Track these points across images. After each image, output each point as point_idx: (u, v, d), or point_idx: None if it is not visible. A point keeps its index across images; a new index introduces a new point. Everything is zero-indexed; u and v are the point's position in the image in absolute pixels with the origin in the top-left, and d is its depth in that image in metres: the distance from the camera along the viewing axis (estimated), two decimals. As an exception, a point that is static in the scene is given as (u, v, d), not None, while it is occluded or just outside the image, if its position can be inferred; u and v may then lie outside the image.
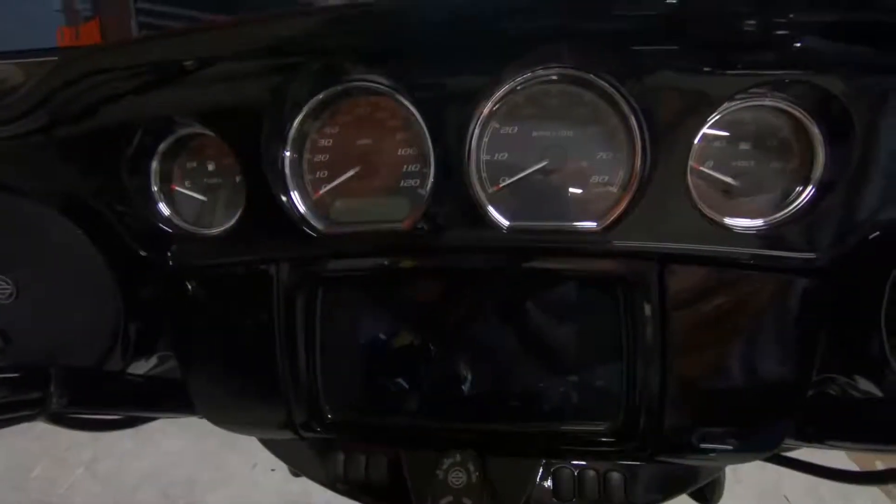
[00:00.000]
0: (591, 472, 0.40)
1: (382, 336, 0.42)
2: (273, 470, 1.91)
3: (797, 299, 0.34)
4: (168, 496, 1.83)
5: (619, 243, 0.34)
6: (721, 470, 0.56)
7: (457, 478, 0.37)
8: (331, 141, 0.38)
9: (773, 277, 0.34)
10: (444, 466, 0.37)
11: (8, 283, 0.38)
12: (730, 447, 0.37)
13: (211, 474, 1.90)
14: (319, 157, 0.38)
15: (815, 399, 0.37)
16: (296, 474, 0.69)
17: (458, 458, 0.37)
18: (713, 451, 0.38)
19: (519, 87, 0.35)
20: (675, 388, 0.36)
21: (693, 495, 0.68)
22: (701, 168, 0.34)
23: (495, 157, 0.36)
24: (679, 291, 0.35)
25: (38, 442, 2.00)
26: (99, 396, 0.38)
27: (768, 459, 0.45)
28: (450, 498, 0.36)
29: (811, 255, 0.32)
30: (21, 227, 0.39)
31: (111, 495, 1.84)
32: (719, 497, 0.65)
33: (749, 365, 0.36)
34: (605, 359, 0.38)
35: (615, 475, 0.40)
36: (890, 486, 1.86)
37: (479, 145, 0.35)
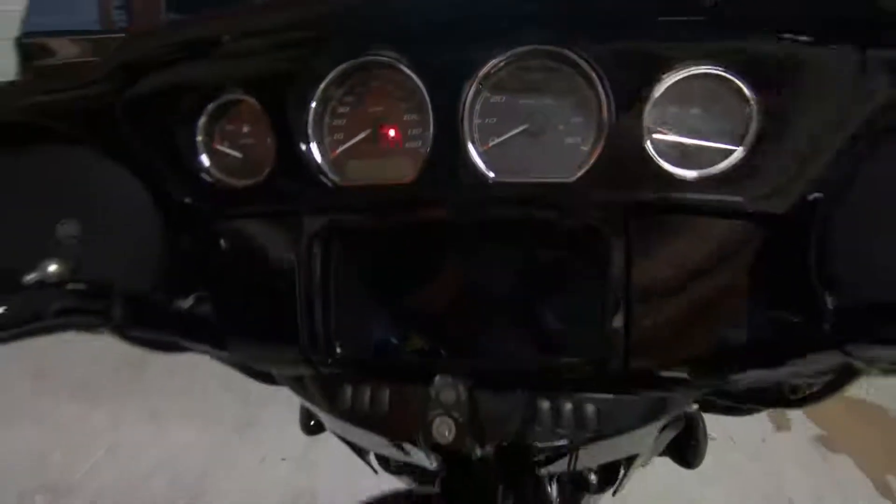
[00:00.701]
0: (568, 405, 0.46)
1: (386, 280, 0.48)
2: (284, 459, 1.97)
3: (743, 244, 0.40)
4: (178, 484, 1.89)
5: (587, 194, 0.40)
6: (696, 417, 0.62)
7: (447, 396, 0.42)
8: (347, 108, 0.45)
9: (720, 223, 0.40)
10: (436, 386, 0.43)
11: (76, 224, 0.46)
12: (687, 377, 0.43)
13: (221, 463, 1.96)
14: (337, 122, 0.45)
15: (764, 330, 0.42)
16: (309, 432, 0.75)
17: (450, 379, 0.43)
18: (673, 381, 0.44)
19: (504, 63, 0.41)
20: (638, 326, 0.42)
21: (674, 458, 0.72)
22: (657, 129, 0.40)
23: (485, 122, 0.43)
24: (640, 236, 0.41)
25: (58, 432, 2.08)
26: (152, 319, 0.44)
27: (727, 398, 0.50)
28: (440, 411, 0.41)
29: (737, 199, 0.38)
30: (88, 175, 0.46)
31: (125, 481, 1.91)
32: (700, 461, 0.70)
33: (702, 302, 0.41)
34: (578, 301, 0.44)
35: (589, 406, 0.45)
36: (893, 486, 1.86)
37: (471, 112, 0.42)
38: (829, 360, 0.34)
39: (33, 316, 0.35)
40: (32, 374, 2.29)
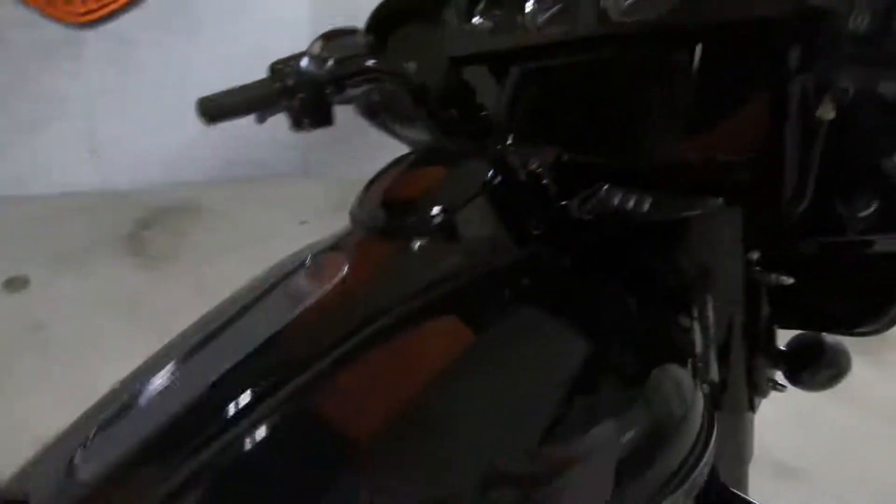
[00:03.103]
0: (633, 196, 0.52)
1: (542, 97, 0.64)
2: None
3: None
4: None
5: (673, 25, 0.50)
6: (829, 345, 0.60)
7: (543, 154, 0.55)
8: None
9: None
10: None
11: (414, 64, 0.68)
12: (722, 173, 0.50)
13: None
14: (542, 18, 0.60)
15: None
16: None
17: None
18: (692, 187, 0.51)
19: None
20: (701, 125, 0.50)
21: (788, 375, 0.64)
22: None
23: None
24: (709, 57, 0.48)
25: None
26: (420, 100, 0.66)
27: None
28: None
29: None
30: (426, 35, 0.74)
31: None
32: (814, 388, 0.61)
33: (747, 115, 0.48)
34: (648, 107, 0.54)
35: (647, 197, 0.52)
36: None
37: None
38: None
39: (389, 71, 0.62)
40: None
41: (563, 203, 0.54)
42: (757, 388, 0.60)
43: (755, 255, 0.52)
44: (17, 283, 2.20)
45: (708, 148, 0.49)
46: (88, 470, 0.34)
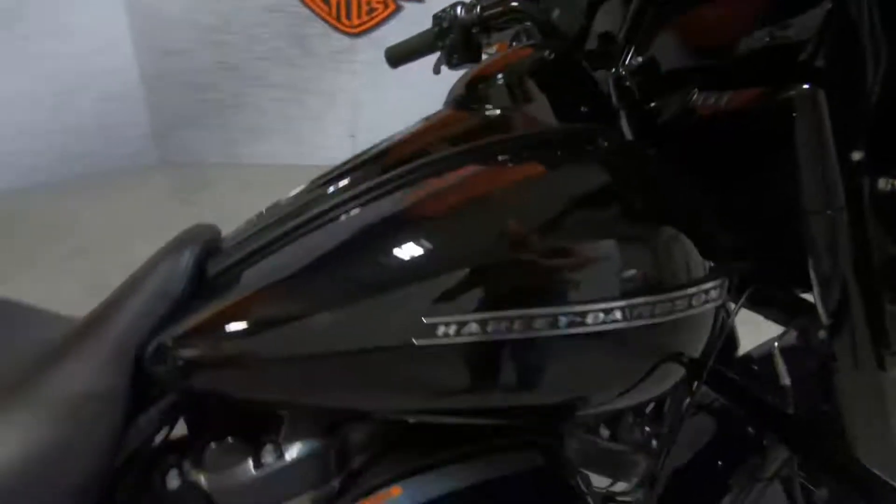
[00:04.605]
0: (714, 93, 0.51)
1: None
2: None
3: None
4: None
5: None
6: None
7: None
8: None
9: None
10: None
11: None
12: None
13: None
14: None
15: None
16: None
17: None
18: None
19: None
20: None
21: None
22: None
23: None
24: None
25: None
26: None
27: None
28: None
29: None
30: None
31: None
32: None
33: None
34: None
35: (726, 92, 0.50)
36: None
37: None
38: None
39: None
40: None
41: (651, 106, 0.55)
42: (885, 339, 0.47)
43: (857, 156, 0.43)
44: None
45: (782, 29, 0.45)
46: (265, 216, 0.57)
